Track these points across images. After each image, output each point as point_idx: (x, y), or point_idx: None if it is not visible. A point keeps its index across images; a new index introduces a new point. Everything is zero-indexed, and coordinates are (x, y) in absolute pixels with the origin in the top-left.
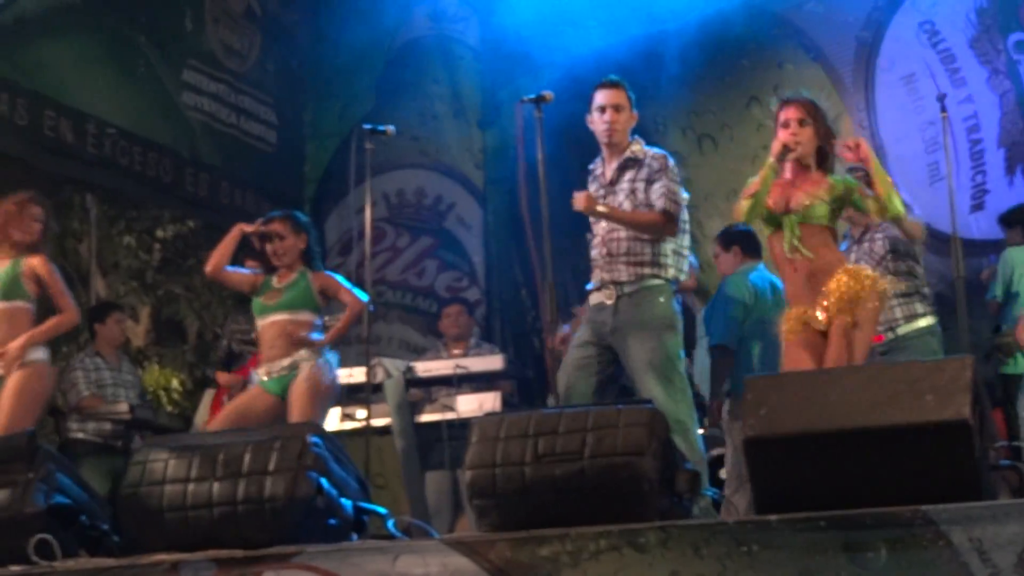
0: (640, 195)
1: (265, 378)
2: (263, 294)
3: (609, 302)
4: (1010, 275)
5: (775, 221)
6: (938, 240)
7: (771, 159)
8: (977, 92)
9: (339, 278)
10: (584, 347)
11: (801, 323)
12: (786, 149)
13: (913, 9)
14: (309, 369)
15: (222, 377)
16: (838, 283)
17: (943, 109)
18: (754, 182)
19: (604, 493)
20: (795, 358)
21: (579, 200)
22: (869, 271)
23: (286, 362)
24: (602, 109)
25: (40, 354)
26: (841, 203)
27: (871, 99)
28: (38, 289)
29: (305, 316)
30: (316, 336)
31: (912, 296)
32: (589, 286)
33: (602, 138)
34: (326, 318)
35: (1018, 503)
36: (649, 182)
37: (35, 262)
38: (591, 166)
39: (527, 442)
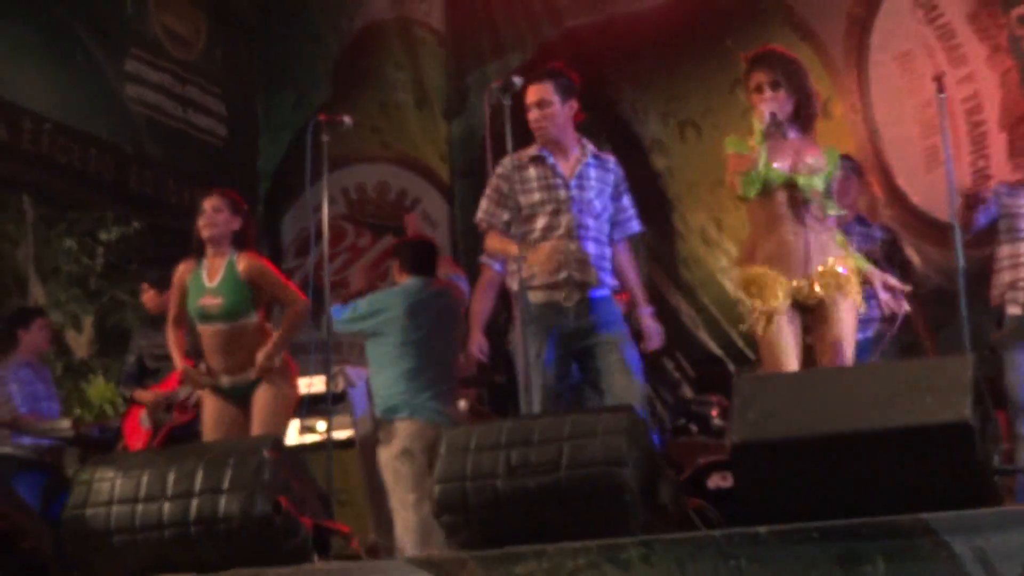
0: (607, 200)
1: (227, 386)
2: (199, 295)
3: (568, 304)
4: None
5: (774, 180)
6: (936, 229)
7: (759, 126)
8: (977, 70)
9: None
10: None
11: (785, 295)
12: (773, 117)
13: None
14: (273, 379)
15: (143, 395)
16: (841, 261)
17: (941, 89)
18: (744, 156)
19: (582, 505)
20: (782, 345)
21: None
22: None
23: (251, 373)
24: (531, 105)
25: None
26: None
27: (864, 79)
28: None
29: (250, 321)
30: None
31: None
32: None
33: (536, 136)
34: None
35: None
36: (617, 190)
37: None
38: (527, 150)
39: (499, 453)
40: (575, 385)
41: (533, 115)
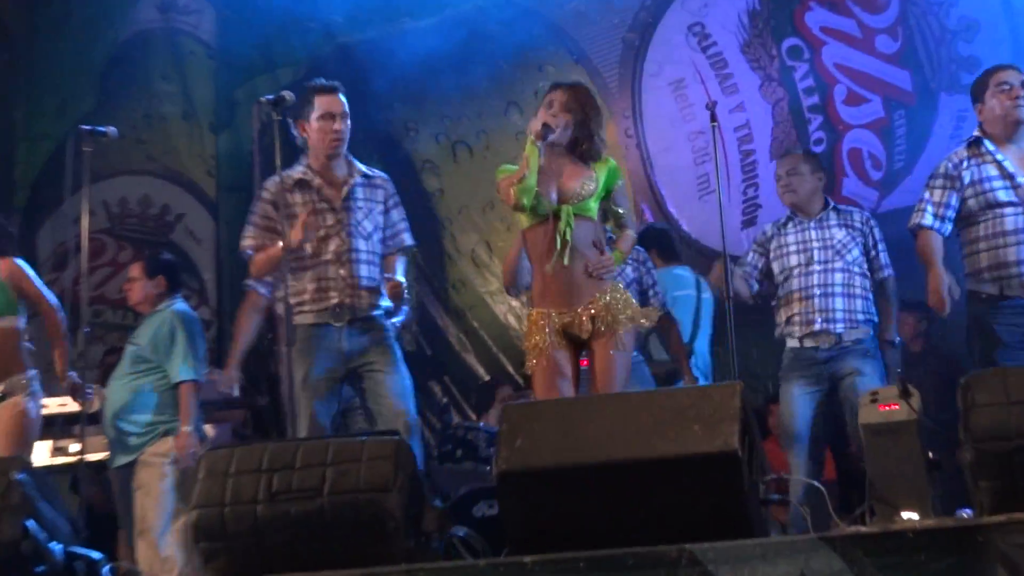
0: (377, 218)
1: None
2: None
3: (338, 324)
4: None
5: (542, 210)
6: (706, 258)
7: (531, 137)
8: (749, 100)
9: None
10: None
11: (555, 331)
12: (547, 128)
13: (683, 10)
14: (21, 396)
15: None
16: (612, 294)
17: (713, 117)
18: (515, 170)
19: (345, 533)
20: (551, 376)
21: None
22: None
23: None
24: (331, 116)
25: None
26: (608, 190)
27: (638, 106)
28: None
29: (6, 323)
30: (26, 347)
31: None
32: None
33: (327, 149)
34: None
35: (789, 540)
36: (387, 206)
37: None
38: (286, 173)
39: (260, 478)
40: (344, 409)
41: (336, 125)
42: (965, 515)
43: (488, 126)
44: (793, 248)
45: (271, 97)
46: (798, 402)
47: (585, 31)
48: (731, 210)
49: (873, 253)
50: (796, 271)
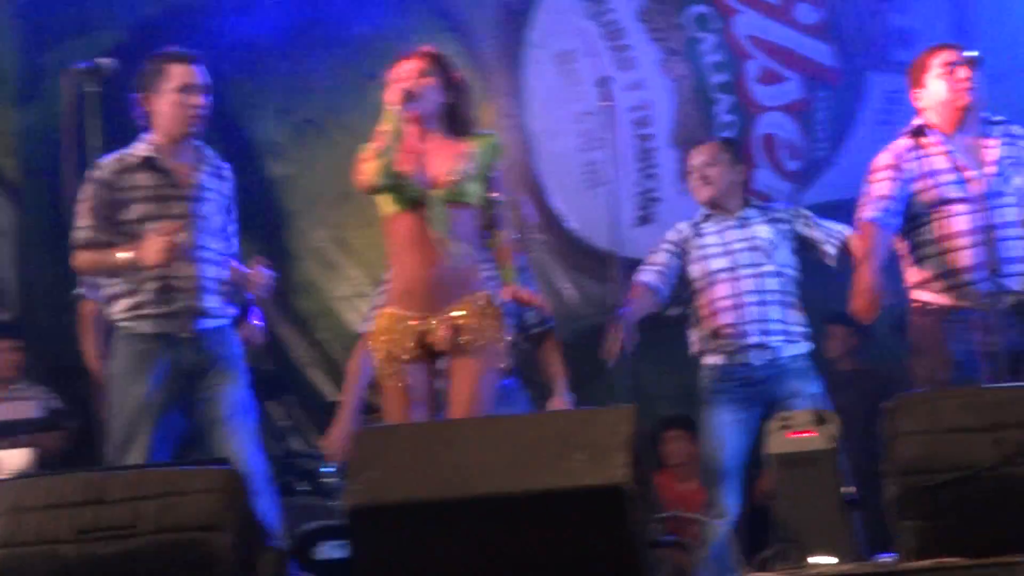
0: (224, 212)
1: None
2: None
3: (185, 334)
4: None
5: (409, 195)
6: (593, 260)
7: (392, 106)
8: (648, 77)
9: None
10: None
11: (411, 336)
12: (408, 94)
13: None
14: None
15: None
16: (482, 302)
17: (606, 96)
18: (375, 144)
19: None
20: (403, 394)
21: None
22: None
23: None
24: (190, 89)
25: None
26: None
27: (520, 81)
28: None
29: None
30: None
31: None
32: None
33: (183, 126)
34: None
35: None
36: (229, 205)
37: None
38: (132, 149)
39: (66, 513)
40: (182, 434)
41: (195, 100)
42: (885, 560)
43: (344, 104)
44: (714, 250)
45: (86, 65)
46: (727, 430)
47: None
48: (624, 205)
49: (818, 233)
50: (722, 276)
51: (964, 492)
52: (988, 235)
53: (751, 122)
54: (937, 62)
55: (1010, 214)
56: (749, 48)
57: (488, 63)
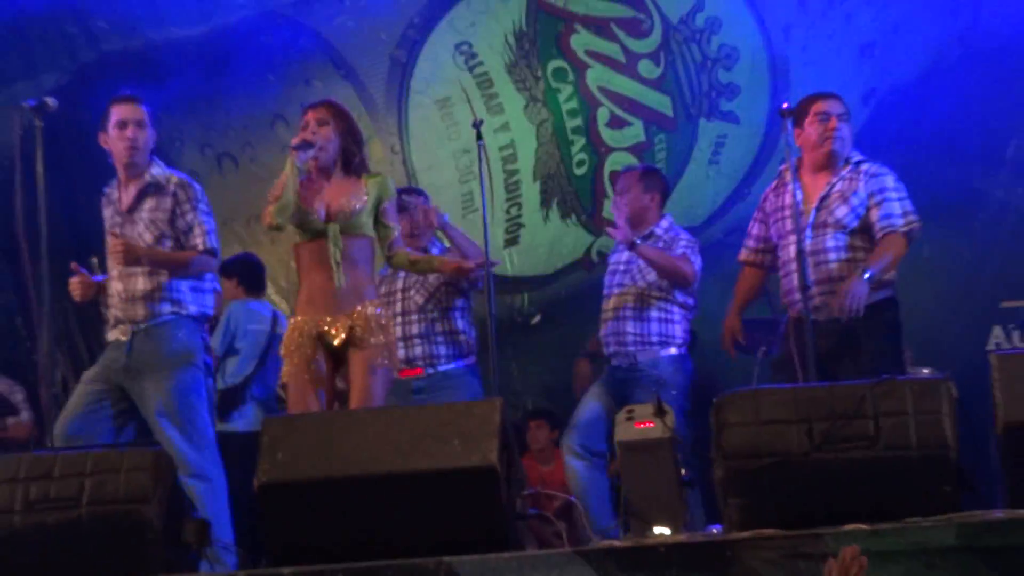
0: (162, 226)
1: None
2: None
3: (124, 338)
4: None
5: (311, 227)
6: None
7: (291, 150)
8: (514, 120)
9: None
10: (92, 385)
11: (312, 337)
12: (306, 144)
13: (450, 29)
14: None
15: None
16: (367, 310)
17: (479, 136)
18: (278, 183)
19: (104, 543)
20: (302, 389)
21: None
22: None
23: None
24: (123, 125)
25: None
26: (379, 204)
27: (404, 122)
28: None
29: None
30: None
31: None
32: None
33: (121, 157)
34: None
35: (544, 554)
36: (174, 214)
37: None
38: (107, 189)
39: (17, 487)
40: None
41: (128, 133)
42: (715, 531)
43: (254, 139)
44: (610, 268)
45: (33, 102)
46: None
47: (353, 46)
48: (494, 229)
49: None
50: (604, 291)
51: (780, 474)
52: (804, 260)
53: (601, 161)
54: (813, 109)
55: (830, 242)
56: (600, 97)
57: (378, 106)
